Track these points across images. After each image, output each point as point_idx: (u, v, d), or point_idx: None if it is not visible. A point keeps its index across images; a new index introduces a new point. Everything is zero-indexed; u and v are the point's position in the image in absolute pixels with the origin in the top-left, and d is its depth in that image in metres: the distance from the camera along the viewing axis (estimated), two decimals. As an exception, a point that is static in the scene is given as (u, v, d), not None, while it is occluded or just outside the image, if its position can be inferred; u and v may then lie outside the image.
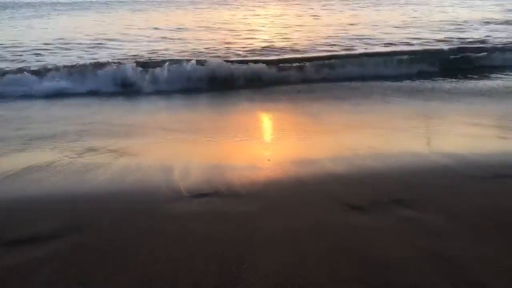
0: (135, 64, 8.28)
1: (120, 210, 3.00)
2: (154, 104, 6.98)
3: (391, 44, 11.08)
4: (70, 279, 2.24)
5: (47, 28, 16.25)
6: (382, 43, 11.21)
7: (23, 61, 9.39)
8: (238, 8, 25.32)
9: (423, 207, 2.93)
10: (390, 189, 3.23)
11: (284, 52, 10.26)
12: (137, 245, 2.53)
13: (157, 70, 8.03)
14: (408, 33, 12.91)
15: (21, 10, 24.26)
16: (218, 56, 9.57)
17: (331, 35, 12.61)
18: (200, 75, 8.05)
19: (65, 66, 8.22)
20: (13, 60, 9.47)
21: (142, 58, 9.41)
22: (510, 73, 8.27)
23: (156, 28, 15.05)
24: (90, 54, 10.33)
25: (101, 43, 11.87)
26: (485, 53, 9.43)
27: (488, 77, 7.96)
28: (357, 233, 2.63)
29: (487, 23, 14.79)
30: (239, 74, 8.14)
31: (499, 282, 2.16)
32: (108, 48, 11.24)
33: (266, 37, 12.75)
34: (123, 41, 12.24)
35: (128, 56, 9.78)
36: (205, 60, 8.62)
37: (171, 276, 2.24)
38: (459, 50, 9.80)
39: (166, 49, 10.69)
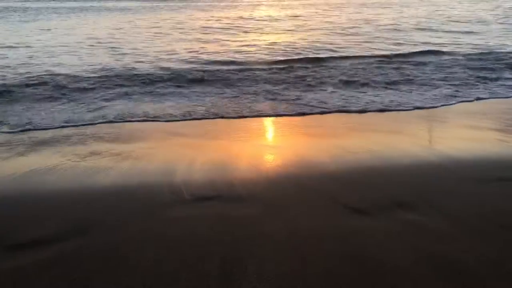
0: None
1: (123, 213, 3.01)
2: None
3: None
4: (74, 282, 2.25)
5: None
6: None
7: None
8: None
9: (425, 210, 2.94)
10: (391, 192, 3.23)
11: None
12: (140, 248, 2.54)
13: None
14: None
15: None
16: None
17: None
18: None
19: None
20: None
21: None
22: None
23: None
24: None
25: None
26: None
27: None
28: (358, 236, 2.63)
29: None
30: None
31: (502, 285, 2.16)
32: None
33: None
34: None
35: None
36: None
37: (173, 279, 2.25)
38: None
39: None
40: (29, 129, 5.19)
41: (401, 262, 2.35)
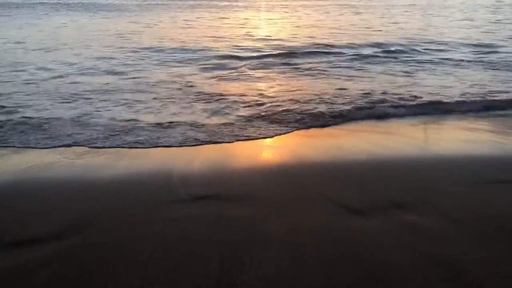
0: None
1: (120, 212, 2.99)
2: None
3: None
4: (70, 281, 2.23)
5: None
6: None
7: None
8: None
9: (424, 211, 2.94)
10: (390, 192, 3.23)
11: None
12: (137, 247, 2.52)
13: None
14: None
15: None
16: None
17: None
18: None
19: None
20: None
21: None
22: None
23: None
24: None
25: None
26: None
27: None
28: (357, 236, 2.63)
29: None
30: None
31: (500, 286, 2.16)
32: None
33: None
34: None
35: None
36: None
37: (171, 278, 2.24)
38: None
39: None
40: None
41: (400, 263, 2.35)
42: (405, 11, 28.45)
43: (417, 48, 11.60)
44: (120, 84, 7.47)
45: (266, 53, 10.80)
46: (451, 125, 5.29)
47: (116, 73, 8.40)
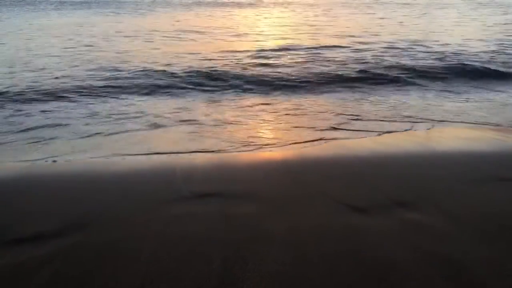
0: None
1: (121, 210, 2.99)
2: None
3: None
4: (72, 279, 2.23)
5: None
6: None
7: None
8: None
9: (426, 209, 2.93)
10: (392, 190, 3.23)
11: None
12: (139, 245, 2.52)
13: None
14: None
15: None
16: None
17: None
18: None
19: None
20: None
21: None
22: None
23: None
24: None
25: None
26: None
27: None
28: (359, 235, 2.63)
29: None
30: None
31: (502, 285, 2.17)
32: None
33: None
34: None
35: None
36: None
37: (173, 277, 2.23)
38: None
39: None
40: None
41: (402, 261, 2.35)
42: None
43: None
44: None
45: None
46: (452, 122, 5.28)
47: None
